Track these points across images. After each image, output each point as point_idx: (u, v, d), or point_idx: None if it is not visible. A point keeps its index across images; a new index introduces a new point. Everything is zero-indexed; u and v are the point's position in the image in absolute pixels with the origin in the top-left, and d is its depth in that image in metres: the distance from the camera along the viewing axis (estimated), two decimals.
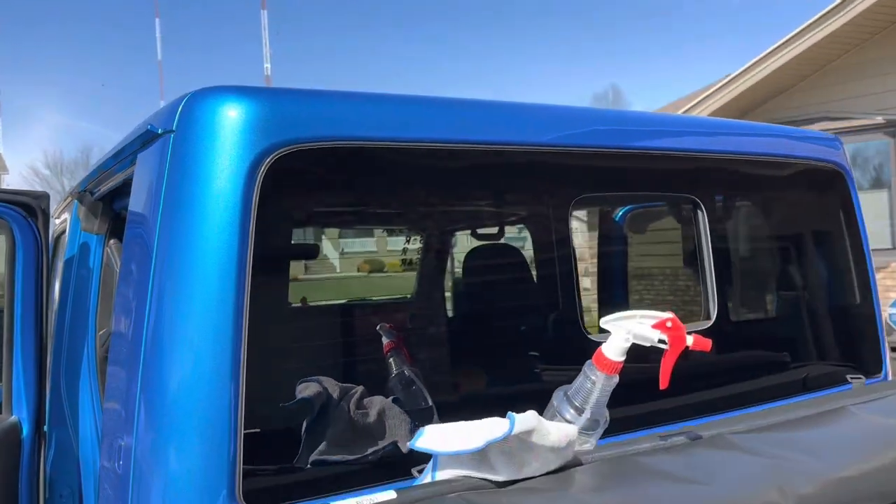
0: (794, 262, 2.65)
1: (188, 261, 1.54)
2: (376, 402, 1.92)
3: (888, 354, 2.62)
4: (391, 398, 1.92)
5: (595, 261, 3.87)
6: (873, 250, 2.56)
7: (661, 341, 1.56)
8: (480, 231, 3.06)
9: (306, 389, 1.84)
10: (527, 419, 1.31)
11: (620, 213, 3.80)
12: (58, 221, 3.57)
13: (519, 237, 3.25)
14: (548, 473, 1.39)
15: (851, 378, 2.35)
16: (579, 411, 1.53)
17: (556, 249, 2.01)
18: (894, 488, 1.50)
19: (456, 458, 1.38)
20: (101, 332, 2.57)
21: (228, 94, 1.59)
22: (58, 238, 3.42)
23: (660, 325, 1.53)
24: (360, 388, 1.91)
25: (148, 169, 1.73)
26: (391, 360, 2.07)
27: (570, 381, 1.62)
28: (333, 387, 1.87)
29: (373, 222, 3.27)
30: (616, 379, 1.57)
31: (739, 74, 11.75)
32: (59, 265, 3.12)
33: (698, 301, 2.22)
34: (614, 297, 3.75)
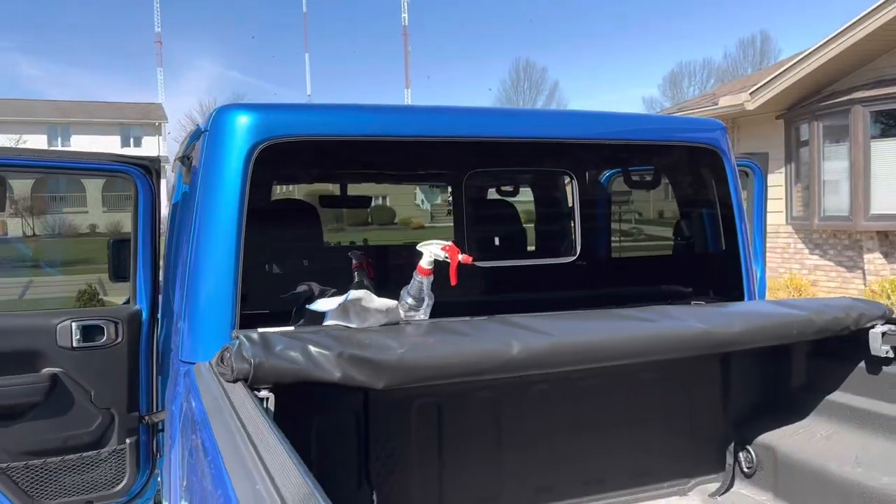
0: (668, 217, 3.50)
1: (212, 206, 2.68)
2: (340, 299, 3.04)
3: (753, 286, 3.44)
4: None
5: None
6: None
7: (446, 258, 2.56)
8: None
9: (300, 288, 2.99)
10: (358, 292, 2.40)
11: (606, 177, 4.67)
12: None
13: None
14: (383, 325, 2.47)
15: (694, 302, 3.22)
16: (415, 298, 2.60)
17: (453, 211, 3.02)
18: (596, 353, 2.41)
19: (334, 315, 2.49)
20: None
21: (238, 109, 2.70)
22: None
23: (444, 248, 2.54)
24: (332, 290, 3.03)
25: (197, 150, 2.88)
26: (356, 273, 3.17)
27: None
28: (316, 288, 3.00)
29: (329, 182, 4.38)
30: (431, 278, 2.60)
31: (844, 31, 11.71)
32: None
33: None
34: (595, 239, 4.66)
